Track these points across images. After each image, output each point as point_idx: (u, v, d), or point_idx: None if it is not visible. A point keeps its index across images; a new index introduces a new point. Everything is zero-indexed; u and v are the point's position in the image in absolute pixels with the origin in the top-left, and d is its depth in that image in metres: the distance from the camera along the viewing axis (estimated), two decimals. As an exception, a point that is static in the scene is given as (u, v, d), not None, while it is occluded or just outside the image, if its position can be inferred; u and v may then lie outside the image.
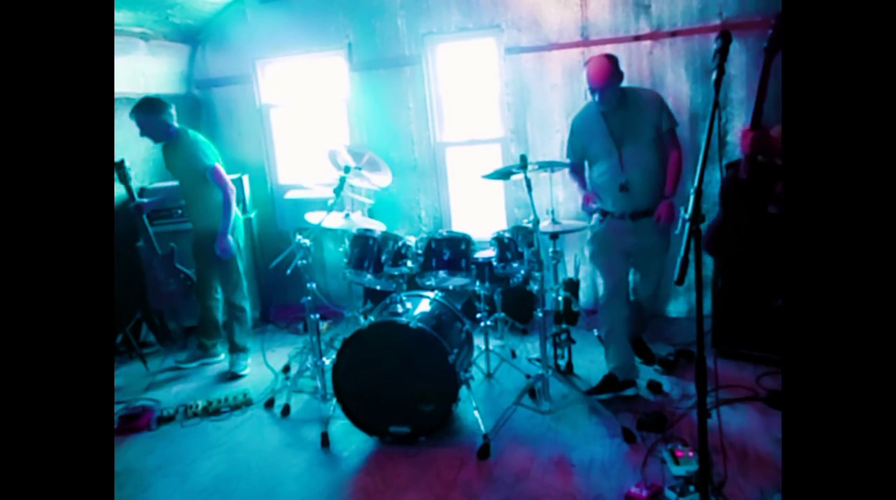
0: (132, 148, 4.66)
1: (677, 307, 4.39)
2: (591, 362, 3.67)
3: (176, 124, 3.82)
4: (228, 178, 3.86)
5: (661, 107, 3.17)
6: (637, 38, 4.16)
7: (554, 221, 3.45)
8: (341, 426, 3.14)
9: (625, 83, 3.16)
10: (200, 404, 3.51)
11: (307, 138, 5.17)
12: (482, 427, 2.91)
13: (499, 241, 3.28)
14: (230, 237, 3.85)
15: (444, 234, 3.29)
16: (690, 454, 2.54)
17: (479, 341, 3.69)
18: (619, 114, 3.15)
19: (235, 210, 3.90)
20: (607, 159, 3.19)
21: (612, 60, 3.08)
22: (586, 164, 3.40)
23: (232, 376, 3.96)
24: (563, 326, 3.51)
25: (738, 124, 3.96)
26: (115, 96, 4.33)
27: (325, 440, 3.05)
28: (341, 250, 3.49)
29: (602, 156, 3.21)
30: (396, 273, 3.23)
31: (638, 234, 3.19)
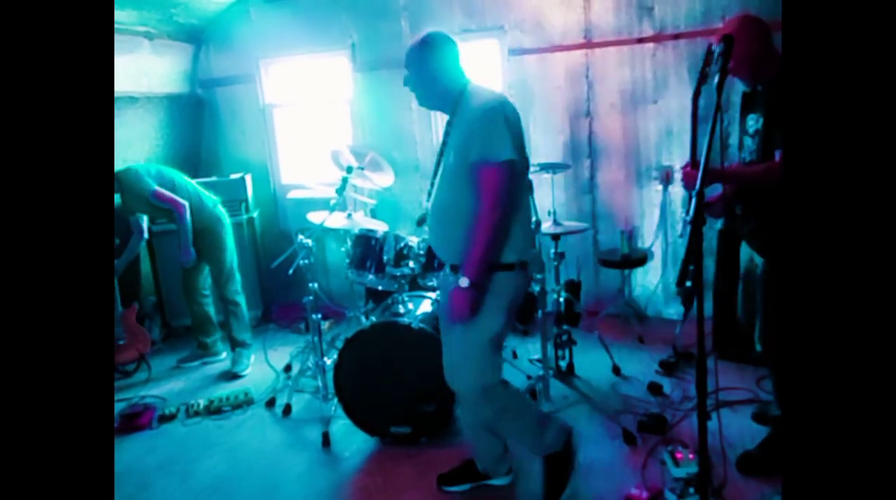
0: (135, 148, 4.68)
1: (678, 309, 4.38)
2: (592, 363, 3.67)
3: None
4: (172, 195, 3.85)
5: (477, 125, 2.10)
6: (640, 40, 4.16)
7: (556, 223, 3.46)
8: (342, 426, 3.14)
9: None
10: (202, 402, 3.53)
11: (310, 138, 5.18)
12: (483, 428, 2.91)
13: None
14: (192, 248, 3.92)
15: (446, 235, 3.29)
16: (690, 456, 2.54)
17: (480, 342, 3.69)
18: (450, 119, 2.26)
19: (188, 220, 3.87)
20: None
21: (430, 38, 2.23)
22: None
23: (233, 375, 3.98)
24: (565, 327, 3.51)
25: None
26: (119, 95, 4.34)
27: (326, 440, 3.06)
28: (343, 249, 3.50)
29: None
30: (398, 273, 3.24)
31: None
